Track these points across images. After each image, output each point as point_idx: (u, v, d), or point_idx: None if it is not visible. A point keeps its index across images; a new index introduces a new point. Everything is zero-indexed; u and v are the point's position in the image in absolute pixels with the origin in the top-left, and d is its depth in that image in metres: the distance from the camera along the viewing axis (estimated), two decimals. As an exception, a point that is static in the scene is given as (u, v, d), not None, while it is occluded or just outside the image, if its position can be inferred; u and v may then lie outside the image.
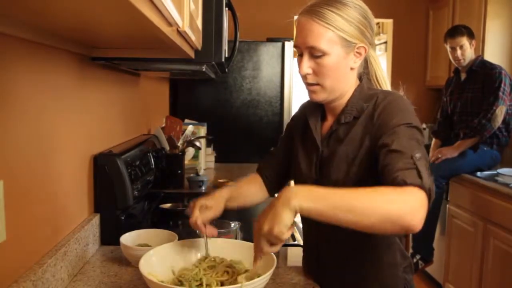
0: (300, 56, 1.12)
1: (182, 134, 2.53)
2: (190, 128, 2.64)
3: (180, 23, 1.01)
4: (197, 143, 2.48)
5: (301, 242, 1.53)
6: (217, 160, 3.08)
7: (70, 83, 1.30)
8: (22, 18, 0.89)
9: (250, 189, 1.36)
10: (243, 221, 1.49)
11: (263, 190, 1.37)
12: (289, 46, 3.21)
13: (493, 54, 3.39)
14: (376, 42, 5.13)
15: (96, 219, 1.46)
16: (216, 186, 2.39)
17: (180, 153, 2.36)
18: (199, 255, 1.21)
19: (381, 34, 5.22)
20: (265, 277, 1.00)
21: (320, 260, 1.23)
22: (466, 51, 3.17)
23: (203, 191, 2.28)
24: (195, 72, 1.83)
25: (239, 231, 1.46)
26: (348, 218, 0.87)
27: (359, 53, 1.11)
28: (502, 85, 2.99)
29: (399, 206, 0.86)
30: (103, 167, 1.48)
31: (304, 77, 1.12)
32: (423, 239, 3.23)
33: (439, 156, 3.17)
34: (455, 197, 3.19)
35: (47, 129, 1.14)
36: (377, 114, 1.06)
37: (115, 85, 1.79)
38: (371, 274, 1.17)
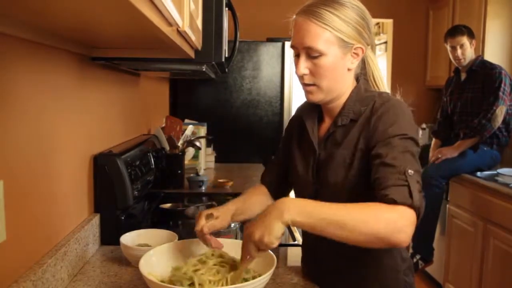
0: (297, 56, 1.11)
1: (182, 134, 2.53)
2: (190, 128, 2.64)
3: (180, 23, 1.01)
4: (197, 143, 2.48)
5: (301, 242, 1.53)
6: (217, 160, 3.08)
7: (70, 83, 1.30)
8: (22, 18, 0.90)
9: (257, 201, 1.35)
10: (243, 221, 1.49)
11: (269, 198, 1.37)
12: (289, 46, 3.20)
13: (493, 54, 3.39)
14: (376, 42, 5.13)
15: (96, 219, 1.46)
16: (216, 186, 2.39)
17: (180, 153, 2.36)
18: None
19: (381, 34, 5.22)
20: (265, 277, 1.00)
21: (318, 261, 1.23)
22: (467, 50, 3.17)
23: (203, 191, 2.28)
24: (195, 72, 1.83)
25: (239, 231, 1.46)
26: (339, 234, 0.91)
27: (357, 54, 1.10)
28: (502, 85, 2.99)
29: (388, 225, 0.90)
30: (103, 167, 1.48)
31: (301, 78, 1.12)
32: (423, 239, 3.23)
33: (439, 156, 3.17)
34: (455, 197, 3.19)
35: (47, 129, 1.14)
36: (374, 120, 1.06)
37: (115, 85, 1.80)
38: (371, 275, 1.17)
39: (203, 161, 2.81)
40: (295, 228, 1.71)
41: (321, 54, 1.06)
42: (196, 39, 1.28)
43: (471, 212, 2.98)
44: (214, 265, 1.08)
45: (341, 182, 1.09)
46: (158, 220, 1.82)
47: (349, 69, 1.12)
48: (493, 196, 2.75)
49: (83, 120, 1.40)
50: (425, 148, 3.43)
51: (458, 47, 3.17)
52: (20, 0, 0.71)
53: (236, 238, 1.41)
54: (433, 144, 3.48)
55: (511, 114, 3.10)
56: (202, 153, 2.75)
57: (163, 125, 2.55)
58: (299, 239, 1.59)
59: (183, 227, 1.76)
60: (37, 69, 1.08)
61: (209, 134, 2.89)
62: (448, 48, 3.25)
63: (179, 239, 1.28)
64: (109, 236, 1.49)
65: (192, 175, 2.35)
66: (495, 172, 3.00)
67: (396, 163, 0.97)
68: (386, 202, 0.93)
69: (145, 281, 1.02)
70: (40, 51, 1.10)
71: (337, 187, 1.09)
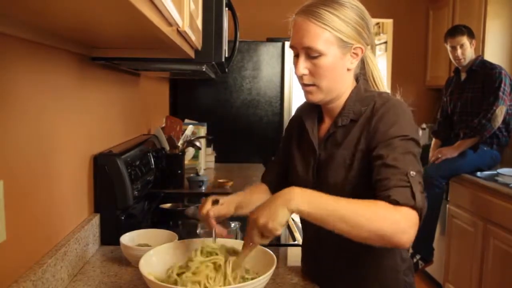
0: (296, 56, 1.11)
1: (182, 134, 2.54)
2: (190, 128, 2.64)
3: (180, 23, 1.01)
4: (197, 143, 2.48)
5: (301, 242, 1.53)
6: (217, 160, 3.08)
7: (70, 83, 1.30)
8: (22, 18, 0.90)
9: (258, 198, 1.34)
10: (243, 221, 1.49)
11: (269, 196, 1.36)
12: (289, 46, 3.21)
13: (493, 54, 3.39)
14: (376, 42, 5.13)
15: (96, 219, 1.46)
16: (216, 186, 2.39)
17: (180, 153, 2.36)
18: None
19: (381, 34, 5.22)
20: (265, 277, 1.00)
21: (318, 260, 1.23)
22: (467, 50, 3.17)
23: (203, 191, 2.28)
24: (195, 72, 1.83)
25: (239, 231, 1.46)
26: (342, 227, 0.91)
27: (356, 54, 1.10)
28: (502, 85, 2.99)
29: (391, 225, 0.90)
30: (103, 167, 1.48)
31: (300, 78, 1.12)
32: (423, 239, 3.23)
33: (439, 156, 3.17)
34: (455, 197, 3.18)
35: (47, 129, 1.14)
36: (375, 120, 1.06)
37: (115, 85, 1.80)
38: (370, 275, 1.17)
39: (203, 161, 2.82)
40: (295, 228, 1.71)
41: (320, 54, 1.06)
42: (196, 39, 1.28)
43: (471, 212, 2.98)
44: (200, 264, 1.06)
45: (341, 183, 1.09)
46: (158, 220, 1.83)
47: (348, 69, 1.12)
48: (493, 196, 2.75)
49: (83, 120, 1.40)
50: (425, 148, 3.43)
51: (458, 47, 3.18)
52: (20, 0, 0.71)
53: (236, 238, 1.41)
54: (433, 144, 3.48)
55: (511, 114, 3.10)
56: (202, 153, 2.76)
57: (163, 125, 2.56)
58: (299, 239, 1.59)
59: (183, 227, 1.76)
60: (37, 69, 1.08)
61: (209, 134, 2.89)
62: (448, 48, 3.25)
63: (179, 239, 1.28)
64: (109, 236, 1.49)
65: (192, 175, 2.35)
66: (495, 172, 3.00)
67: (398, 165, 0.97)
68: (389, 202, 0.93)
69: (145, 281, 1.02)
70: (40, 51, 1.10)
71: (337, 188, 1.09)
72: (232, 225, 1.42)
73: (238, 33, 1.96)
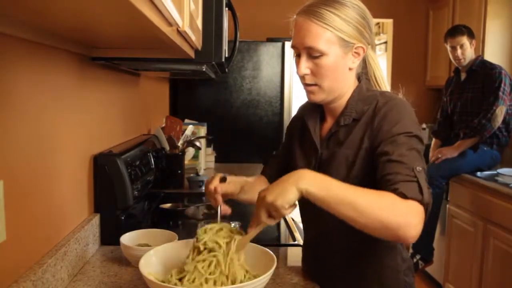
0: (298, 56, 1.11)
1: (182, 134, 2.53)
2: (190, 128, 2.64)
3: (180, 23, 1.01)
4: (197, 143, 2.48)
5: (301, 242, 1.53)
6: (217, 160, 3.08)
7: (70, 83, 1.30)
8: (22, 18, 0.90)
9: (261, 187, 1.35)
10: (243, 221, 1.49)
11: None
12: (289, 46, 3.21)
13: (493, 54, 3.39)
14: (376, 42, 5.13)
15: (96, 219, 1.46)
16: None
17: (180, 153, 2.36)
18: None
19: (381, 34, 5.23)
20: (265, 277, 1.00)
21: (319, 260, 1.23)
22: (467, 50, 3.17)
23: (203, 191, 2.28)
24: (195, 72, 1.83)
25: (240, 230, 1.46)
26: (349, 214, 0.89)
27: (358, 53, 1.10)
28: (502, 85, 2.99)
29: (399, 217, 0.89)
30: (103, 167, 1.48)
31: (302, 78, 1.12)
32: (423, 239, 3.23)
33: (439, 156, 3.17)
34: (455, 197, 3.18)
35: (47, 129, 1.14)
36: (378, 119, 1.06)
37: (115, 85, 1.80)
38: (371, 275, 1.17)
39: (203, 161, 2.81)
40: (295, 228, 1.71)
41: (322, 54, 1.06)
42: (196, 39, 1.28)
43: (471, 212, 2.98)
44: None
45: (343, 181, 1.09)
46: (158, 220, 1.83)
47: (350, 69, 1.12)
48: (493, 196, 2.75)
49: (83, 120, 1.40)
50: (425, 148, 3.43)
51: (458, 47, 3.18)
52: (20, 0, 0.71)
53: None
54: (433, 144, 3.48)
55: (511, 114, 3.10)
56: (202, 153, 2.75)
57: (163, 125, 2.56)
58: (299, 239, 1.59)
59: (183, 227, 1.76)
60: (37, 69, 1.08)
61: (209, 134, 2.89)
62: (448, 48, 3.25)
63: (179, 239, 1.28)
64: (109, 236, 1.49)
65: (192, 175, 2.35)
66: (495, 172, 3.00)
67: (404, 160, 0.96)
68: (396, 195, 0.92)
69: (145, 281, 1.01)
70: (40, 51, 1.10)
71: None
72: (232, 224, 1.42)
73: (238, 33, 1.96)
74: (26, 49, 1.02)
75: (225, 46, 1.58)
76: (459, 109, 3.29)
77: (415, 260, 3.24)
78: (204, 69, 1.60)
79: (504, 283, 2.63)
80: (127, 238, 1.36)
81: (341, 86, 1.12)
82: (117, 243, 1.34)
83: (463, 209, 3.07)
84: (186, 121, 2.91)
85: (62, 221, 1.25)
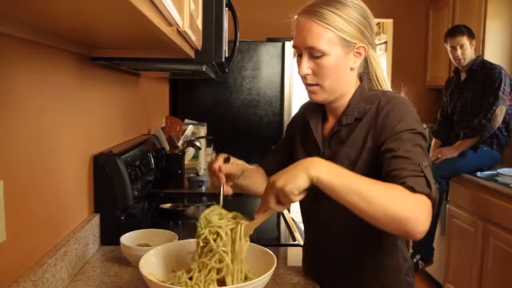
0: (299, 56, 1.11)
1: (182, 134, 2.53)
2: (190, 128, 2.64)
3: (180, 23, 1.01)
4: (197, 143, 2.48)
5: (301, 242, 1.53)
6: (217, 160, 3.07)
7: (70, 83, 1.30)
8: (22, 18, 0.89)
9: (259, 176, 1.35)
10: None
11: (266, 181, 1.36)
12: (289, 46, 3.21)
13: (493, 54, 3.39)
14: (376, 42, 5.10)
15: (96, 219, 1.46)
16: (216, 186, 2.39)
17: (180, 153, 2.36)
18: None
19: (381, 34, 5.23)
20: (265, 277, 1.00)
21: (320, 260, 1.23)
22: (466, 50, 3.17)
23: (203, 191, 2.28)
24: (195, 72, 1.83)
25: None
26: (358, 204, 0.88)
27: (359, 53, 1.10)
28: (502, 85, 2.99)
29: (408, 210, 0.87)
30: (103, 167, 1.48)
31: (303, 78, 1.12)
32: (423, 239, 3.22)
33: (439, 156, 3.17)
34: (455, 197, 3.18)
35: (47, 129, 1.14)
36: (381, 118, 1.06)
37: (115, 85, 1.79)
38: (372, 275, 1.17)
39: (203, 161, 2.81)
40: (295, 228, 1.71)
41: (323, 54, 1.06)
42: (196, 39, 1.28)
43: (471, 212, 2.98)
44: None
45: None
46: (158, 220, 1.83)
47: (352, 69, 1.12)
48: (493, 196, 2.75)
49: (83, 120, 1.40)
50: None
51: (458, 47, 3.18)
52: (20, 0, 0.71)
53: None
54: (433, 144, 3.48)
55: (511, 114, 3.10)
56: (202, 153, 2.75)
57: (163, 125, 2.55)
58: (299, 239, 1.59)
59: (183, 227, 1.76)
60: (37, 69, 1.08)
61: (209, 134, 2.89)
62: (448, 48, 3.26)
63: (179, 239, 1.28)
64: (109, 236, 1.49)
65: (192, 175, 2.35)
66: (495, 172, 3.00)
67: (410, 155, 0.96)
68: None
69: (145, 281, 1.01)
70: (40, 51, 1.10)
71: None
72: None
73: (238, 33, 1.96)
74: (26, 49, 1.02)
75: (225, 46, 1.57)
76: (459, 109, 3.29)
77: (415, 260, 3.24)
78: (204, 69, 1.60)
79: (504, 283, 2.63)
80: (127, 238, 1.36)
81: (343, 86, 1.12)
82: (117, 243, 1.34)
83: (463, 209, 3.07)
84: (186, 121, 2.91)
85: (62, 221, 1.25)
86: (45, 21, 0.91)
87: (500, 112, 2.98)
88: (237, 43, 1.95)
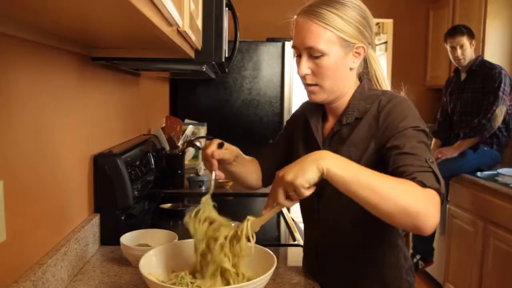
0: (298, 56, 1.11)
1: (182, 134, 2.53)
2: (190, 128, 2.64)
3: (180, 23, 1.01)
4: (197, 143, 2.48)
5: (301, 242, 1.53)
6: (217, 160, 3.07)
7: (70, 83, 1.30)
8: (22, 18, 0.89)
9: (251, 165, 1.35)
10: (242, 221, 1.48)
11: (259, 176, 1.36)
12: (289, 46, 3.21)
13: (493, 54, 3.39)
14: (376, 42, 5.13)
15: (96, 219, 1.46)
16: (216, 186, 2.39)
17: (180, 153, 2.36)
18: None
19: (381, 34, 5.22)
20: (265, 277, 1.00)
21: (320, 259, 1.23)
22: (466, 50, 3.17)
23: (203, 191, 2.28)
24: (195, 72, 1.83)
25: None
26: (369, 198, 0.86)
27: (358, 53, 1.10)
28: (502, 85, 2.99)
29: (420, 204, 0.87)
30: (103, 167, 1.48)
31: (303, 78, 1.12)
32: (423, 239, 3.23)
33: (439, 156, 3.17)
34: (455, 197, 3.18)
35: (47, 129, 1.14)
36: (383, 117, 1.06)
37: (115, 85, 1.79)
38: (372, 274, 1.17)
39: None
40: (295, 228, 1.71)
41: (323, 54, 1.06)
42: (196, 39, 1.28)
43: (471, 212, 2.98)
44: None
45: None
46: (158, 220, 1.82)
47: (351, 69, 1.12)
48: (493, 196, 2.75)
49: (83, 120, 1.40)
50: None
51: (458, 47, 3.18)
52: (20, 0, 0.71)
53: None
54: (433, 144, 3.48)
55: (511, 114, 3.10)
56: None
57: (163, 125, 2.55)
58: (299, 239, 1.59)
59: (183, 227, 1.76)
60: (37, 69, 1.08)
61: (209, 134, 2.89)
62: (448, 48, 3.26)
63: (179, 239, 1.28)
64: (109, 236, 1.49)
65: (192, 175, 2.35)
66: (495, 172, 3.00)
67: (416, 152, 0.96)
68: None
69: (145, 281, 1.01)
70: (40, 51, 1.10)
71: None
72: (233, 224, 1.42)
73: (238, 33, 1.96)
74: (26, 49, 1.02)
75: (225, 46, 1.57)
76: (459, 109, 3.29)
77: (415, 260, 3.24)
78: (204, 69, 1.60)
79: (504, 283, 2.63)
80: (127, 238, 1.36)
81: (342, 86, 1.12)
82: (117, 243, 1.34)
83: (463, 209, 3.07)
84: (186, 121, 2.91)
85: (62, 221, 1.25)
86: (45, 21, 0.91)
87: (500, 112, 2.98)
88: (237, 43, 1.95)
